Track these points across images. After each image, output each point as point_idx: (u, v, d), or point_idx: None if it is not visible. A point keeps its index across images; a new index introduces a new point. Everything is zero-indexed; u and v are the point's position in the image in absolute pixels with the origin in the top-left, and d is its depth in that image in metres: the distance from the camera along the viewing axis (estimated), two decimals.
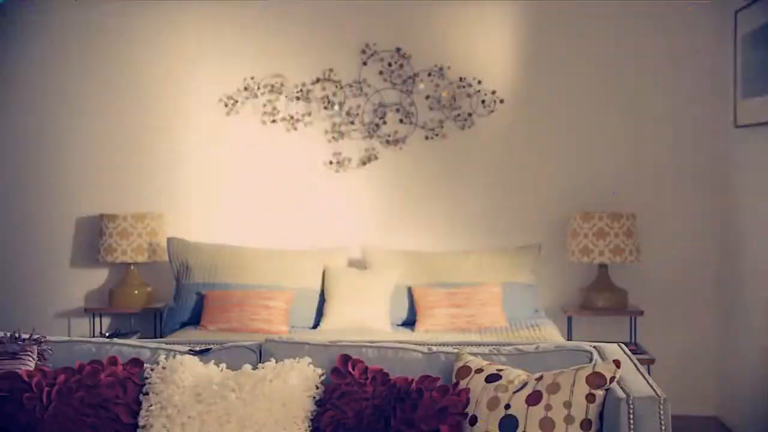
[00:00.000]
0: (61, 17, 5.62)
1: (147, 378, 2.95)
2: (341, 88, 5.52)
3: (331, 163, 5.57)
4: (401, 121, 5.54)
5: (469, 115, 5.53)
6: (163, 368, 2.94)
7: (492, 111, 5.53)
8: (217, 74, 5.59)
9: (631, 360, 3.00)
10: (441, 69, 5.53)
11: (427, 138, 5.55)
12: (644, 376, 2.83)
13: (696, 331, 5.50)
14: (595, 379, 2.66)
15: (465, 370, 2.84)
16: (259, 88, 5.57)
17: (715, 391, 5.45)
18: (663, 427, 2.58)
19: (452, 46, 5.54)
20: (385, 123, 5.54)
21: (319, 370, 2.95)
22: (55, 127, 5.66)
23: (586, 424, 2.63)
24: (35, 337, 3.07)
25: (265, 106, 5.57)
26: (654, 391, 2.67)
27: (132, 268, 5.52)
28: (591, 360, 2.94)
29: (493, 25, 5.54)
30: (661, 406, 2.59)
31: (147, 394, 2.92)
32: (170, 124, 5.64)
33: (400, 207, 5.59)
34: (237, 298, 5.02)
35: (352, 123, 5.55)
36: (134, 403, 2.90)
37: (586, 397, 2.64)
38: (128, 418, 2.87)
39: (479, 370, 2.82)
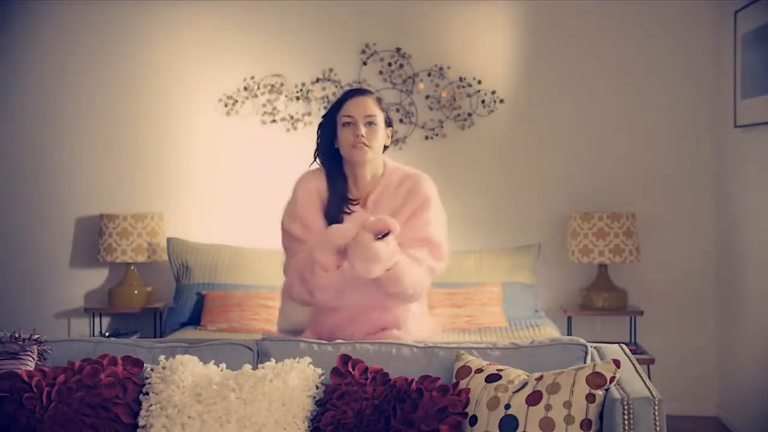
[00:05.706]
0: (61, 18, 5.62)
1: (147, 378, 2.95)
2: (341, 88, 5.53)
3: None
4: (401, 121, 5.54)
5: (469, 115, 5.53)
6: (163, 368, 2.94)
7: (492, 111, 5.53)
8: (217, 74, 5.59)
9: (631, 360, 3.00)
10: (441, 69, 5.53)
11: (427, 138, 5.55)
12: (641, 377, 2.83)
13: (696, 331, 5.50)
14: (595, 379, 2.66)
15: (465, 370, 2.84)
16: (259, 88, 5.57)
17: (715, 391, 5.44)
18: (658, 428, 2.58)
19: (452, 46, 5.54)
20: None
21: (319, 370, 2.95)
22: (55, 127, 5.66)
23: (586, 424, 2.63)
24: (35, 337, 3.07)
25: (265, 106, 5.58)
26: (650, 391, 2.67)
27: (132, 268, 5.52)
28: (586, 353, 2.94)
29: (493, 25, 5.54)
30: (656, 407, 2.59)
31: (147, 394, 2.92)
32: (170, 123, 5.64)
33: None
34: (237, 298, 5.02)
35: None
36: (134, 403, 2.90)
37: (586, 397, 2.64)
38: (128, 418, 2.87)
39: (479, 370, 2.82)
